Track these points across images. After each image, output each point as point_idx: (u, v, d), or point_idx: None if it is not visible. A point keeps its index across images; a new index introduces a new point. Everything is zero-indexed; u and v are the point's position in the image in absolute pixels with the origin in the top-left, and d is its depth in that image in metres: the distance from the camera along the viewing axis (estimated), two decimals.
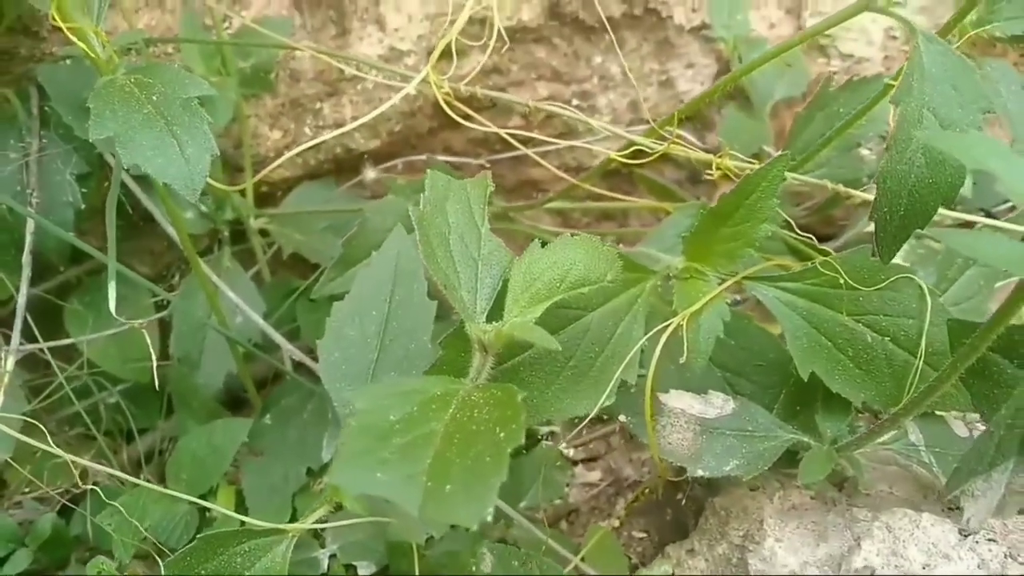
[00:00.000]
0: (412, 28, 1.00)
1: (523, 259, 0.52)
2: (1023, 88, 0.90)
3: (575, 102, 1.13)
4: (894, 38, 1.11)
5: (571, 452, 0.98)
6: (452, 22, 0.84)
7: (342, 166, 1.06)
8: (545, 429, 0.97)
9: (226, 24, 0.95)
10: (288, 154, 0.86)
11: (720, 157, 0.70)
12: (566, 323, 0.57)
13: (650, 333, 0.59)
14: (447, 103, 0.76)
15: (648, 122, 0.80)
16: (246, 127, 0.98)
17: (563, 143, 0.86)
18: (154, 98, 0.63)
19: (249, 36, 0.93)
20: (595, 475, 0.99)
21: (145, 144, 0.61)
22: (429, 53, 0.92)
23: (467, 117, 0.77)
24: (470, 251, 0.53)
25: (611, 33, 1.06)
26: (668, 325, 0.60)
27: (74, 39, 0.64)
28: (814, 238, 0.74)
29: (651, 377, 0.60)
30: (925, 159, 0.55)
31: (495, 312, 0.52)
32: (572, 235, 0.53)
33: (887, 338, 0.64)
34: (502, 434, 0.41)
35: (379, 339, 0.64)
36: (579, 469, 1.01)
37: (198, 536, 0.59)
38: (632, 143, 0.72)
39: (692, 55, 1.10)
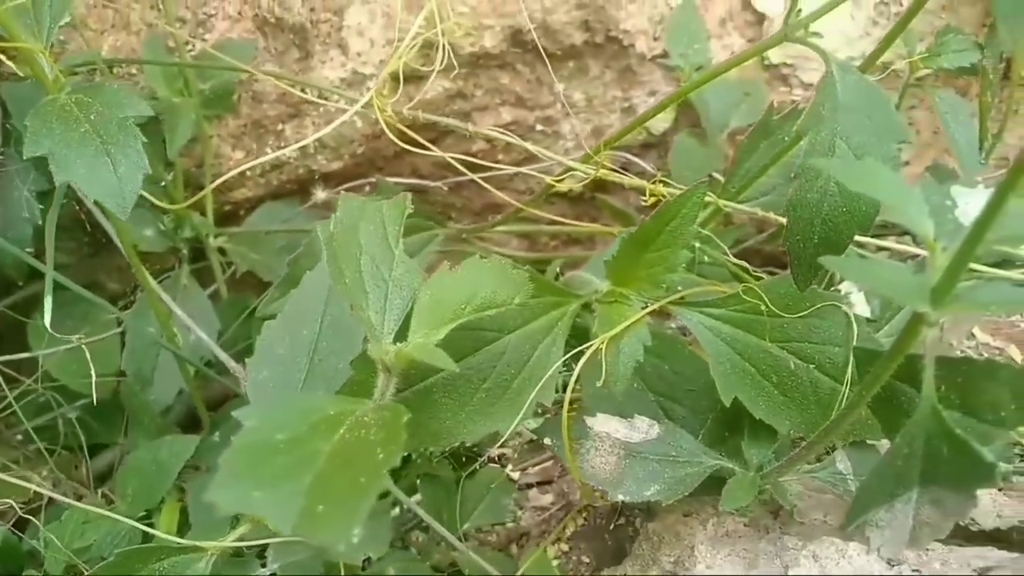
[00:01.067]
0: (374, 52, 1.01)
1: (431, 281, 0.52)
2: (972, 118, 0.91)
3: (539, 127, 1.14)
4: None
5: (523, 475, 0.98)
6: (410, 45, 0.85)
7: (305, 186, 1.07)
8: (495, 451, 0.97)
9: (189, 46, 0.96)
10: (235, 170, 0.87)
11: (654, 183, 0.70)
12: (481, 345, 0.58)
13: (566, 356, 0.59)
14: (392, 128, 0.76)
15: (599, 148, 0.81)
16: (208, 147, 0.99)
17: (512, 169, 0.87)
18: (92, 117, 0.65)
19: (212, 59, 0.95)
20: (547, 498, 0.98)
21: (79, 162, 0.63)
22: (393, 77, 0.93)
23: (415, 143, 0.77)
24: (381, 272, 0.54)
25: (573, 61, 1.08)
26: (587, 348, 0.60)
27: (19, 60, 0.66)
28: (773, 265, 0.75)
29: (567, 400, 0.60)
30: (839, 188, 0.56)
31: (404, 333, 0.52)
32: (481, 257, 0.53)
33: (812, 365, 0.64)
34: (381, 455, 0.42)
35: (308, 358, 0.65)
36: (533, 492, 1.00)
37: (116, 552, 0.59)
38: (570, 168, 0.72)
39: (654, 83, 1.11)
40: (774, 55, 1.09)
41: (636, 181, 0.71)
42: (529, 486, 1.02)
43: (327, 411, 0.47)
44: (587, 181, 0.72)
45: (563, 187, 0.74)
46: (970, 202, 0.56)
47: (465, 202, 1.19)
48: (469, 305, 0.51)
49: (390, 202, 0.57)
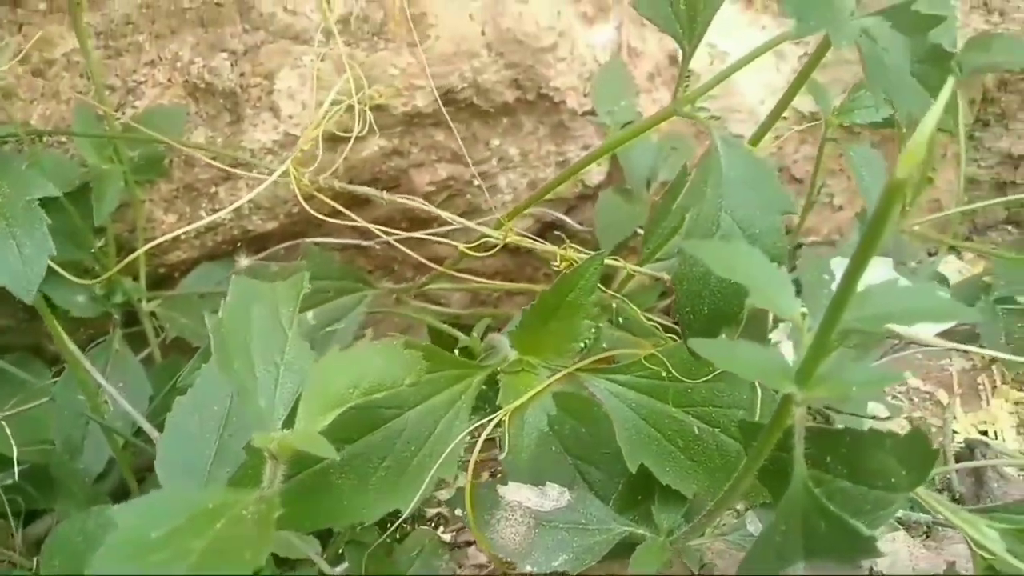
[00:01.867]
0: (306, 115, 1.02)
1: (318, 365, 0.53)
2: (885, 171, 0.93)
3: (476, 182, 1.15)
4: (783, 118, 1.14)
5: (460, 534, 0.98)
6: (329, 115, 0.86)
7: (240, 245, 1.08)
8: (432, 511, 0.97)
9: (119, 113, 0.97)
10: (167, 236, 0.88)
11: (564, 249, 0.71)
12: (379, 423, 0.58)
13: (468, 429, 0.60)
14: (307, 196, 0.77)
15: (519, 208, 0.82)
16: (140, 212, 0.99)
17: (439, 229, 0.88)
18: None
19: (143, 125, 0.96)
20: (485, 557, 0.98)
21: None
22: (327, 137, 0.94)
23: (334, 211, 0.78)
24: (272, 356, 0.54)
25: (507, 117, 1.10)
26: (489, 421, 0.60)
27: None
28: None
29: (470, 472, 0.60)
30: None
31: (294, 418, 0.53)
32: (371, 343, 0.54)
33: (717, 429, 0.65)
34: (248, 555, 0.42)
35: (218, 435, 0.65)
36: (471, 550, 1.00)
37: None
38: (484, 235, 0.73)
39: (588, 137, 1.13)
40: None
41: (547, 247, 0.72)
42: (468, 544, 1.01)
43: (206, 504, 0.46)
44: (497, 248, 0.73)
45: (476, 253, 0.74)
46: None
47: (405, 255, 1.19)
48: (357, 389, 0.52)
49: (285, 283, 0.57)
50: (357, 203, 1.16)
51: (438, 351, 0.59)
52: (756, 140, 0.65)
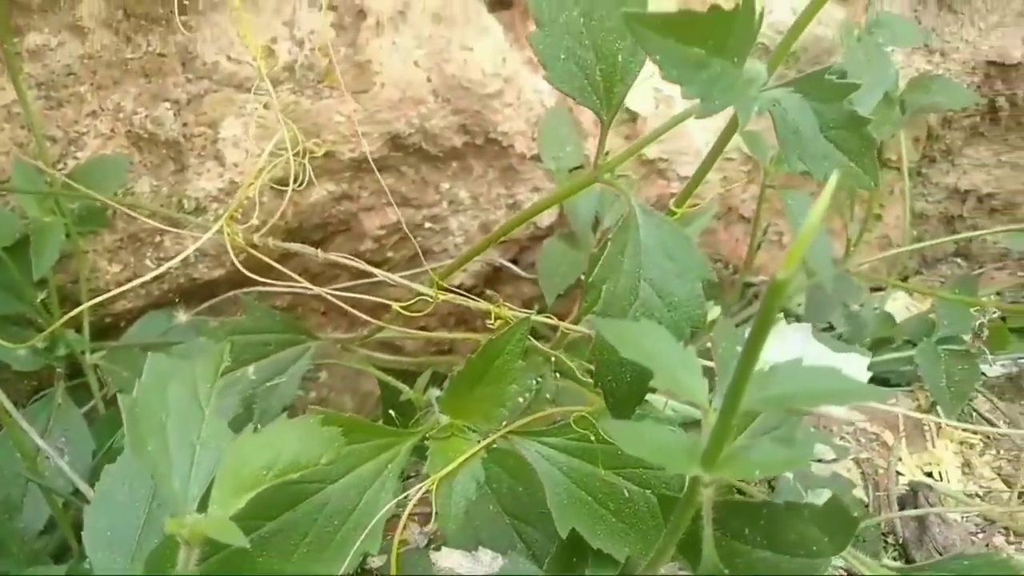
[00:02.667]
0: (251, 162, 1.02)
1: (233, 445, 0.52)
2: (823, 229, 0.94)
3: (427, 224, 1.15)
4: (731, 159, 1.15)
5: None
6: (266, 170, 0.86)
7: (188, 295, 1.07)
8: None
9: (60, 165, 0.96)
10: (113, 292, 0.87)
11: (497, 307, 0.71)
12: (301, 498, 0.58)
13: (394, 500, 0.59)
14: (242, 252, 0.77)
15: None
16: (83, 263, 0.99)
17: (386, 276, 0.87)
18: None
19: (83, 177, 0.95)
20: None
21: None
22: (272, 184, 0.94)
23: (267, 266, 0.78)
24: (189, 436, 0.54)
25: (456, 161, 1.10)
26: (417, 490, 0.60)
27: None
28: None
29: (396, 543, 0.60)
30: None
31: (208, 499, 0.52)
32: (287, 421, 0.53)
33: (648, 490, 0.65)
34: None
35: (148, 505, 0.64)
36: None
37: None
38: (420, 293, 0.73)
39: (537, 180, 1.13)
40: (650, 150, 1.12)
41: (480, 305, 0.72)
42: None
43: None
44: (431, 308, 0.73)
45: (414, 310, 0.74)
46: (772, 346, 0.57)
47: (355, 301, 1.19)
48: (272, 470, 0.51)
49: (203, 358, 0.57)
50: (308, 245, 1.16)
51: (360, 422, 0.59)
52: (681, 201, 0.65)
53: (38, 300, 0.97)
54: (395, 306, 0.74)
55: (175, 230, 0.89)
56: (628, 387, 0.58)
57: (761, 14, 0.50)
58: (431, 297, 0.72)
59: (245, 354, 0.87)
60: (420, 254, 0.83)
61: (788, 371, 0.46)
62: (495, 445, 0.66)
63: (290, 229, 1.11)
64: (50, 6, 0.91)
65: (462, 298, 0.72)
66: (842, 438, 1.03)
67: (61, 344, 0.97)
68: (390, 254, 1.16)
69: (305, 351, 0.90)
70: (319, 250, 0.77)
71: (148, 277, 0.78)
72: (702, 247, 1.18)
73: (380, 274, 0.74)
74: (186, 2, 0.94)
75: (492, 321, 0.72)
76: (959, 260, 1.35)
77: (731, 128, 0.57)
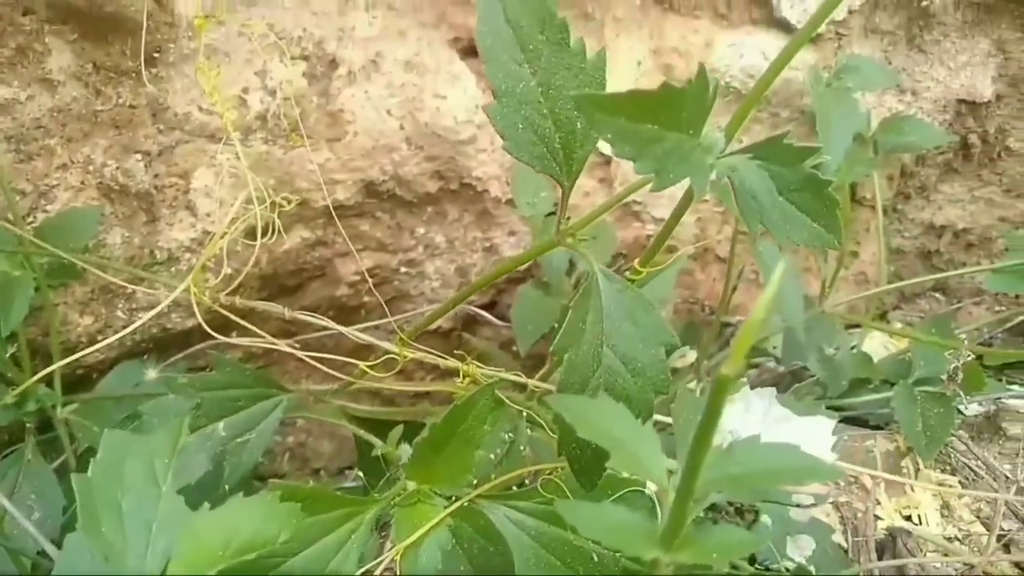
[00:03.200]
0: (223, 212, 1.02)
1: (188, 523, 0.51)
2: (794, 276, 0.94)
3: (403, 269, 1.15)
4: (705, 200, 1.16)
5: None
6: (232, 227, 0.86)
7: (162, 345, 1.06)
8: None
9: (30, 218, 0.96)
10: (89, 350, 0.86)
11: (467, 364, 0.71)
12: (262, 572, 0.57)
13: (360, 571, 0.59)
14: (209, 310, 0.76)
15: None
16: (54, 316, 0.98)
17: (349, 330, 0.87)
18: None
19: (54, 230, 0.94)
20: None
21: None
22: (246, 233, 0.94)
23: (230, 321, 0.77)
24: (144, 514, 0.53)
25: (432, 206, 1.10)
26: (378, 563, 0.59)
27: None
28: None
29: None
30: (609, 394, 0.57)
31: None
32: (244, 498, 0.53)
33: (617, 553, 0.64)
34: None
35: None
36: None
37: None
38: (388, 351, 0.73)
39: (513, 223, 1.13)
40: None
41: (449, 362, 0.71)
42: None
43: None
44: (397, 370, 0.72)
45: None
46: (732, 415, 0.57)
47: (336, 344, 1.19)
48: (228, 550, 0.50)
49: (161, 433, 0.56)
50: (283, 291, 1.16)
51: (322, 494, 0.58)
52: (646, 260, 0.65)
53: (8, 354, 0.96)
54: (361, 365, 0.73)
55: (143, 288, 0.88)
56: (591, 457, 0.57)
57: (716, 88, 0.50)
58: (397, 356, 0.72)
59: (215, 410, 0.86)
60: (385, 306, 0.82)
61: (747, 450, 0.45)
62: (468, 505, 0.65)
63: (265, 276, 1.10)
64: (19, 59, 0.91)
65: (430, 356, 0.72)
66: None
67: (31, 399, 0.96)
68: (367, 298, 1.15)
69: (277, 405, 0.89)
70: (286, 308, 0.77)
71: (114, 338, 0.77)
72: (678, 288, 1.18)
73: (345, 331, 0.74)
74: (156, 54, 0.94)
75: (461, 380, 0.71)
76: (937, 295, 1.35)
77: (688, 197, 0.57)
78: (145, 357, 1.02)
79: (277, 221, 0.86)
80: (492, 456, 0.72)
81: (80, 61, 0.93)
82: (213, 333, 0.75)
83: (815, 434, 0.56)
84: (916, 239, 1.31)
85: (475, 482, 0.65)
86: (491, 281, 0.67)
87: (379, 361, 0.73)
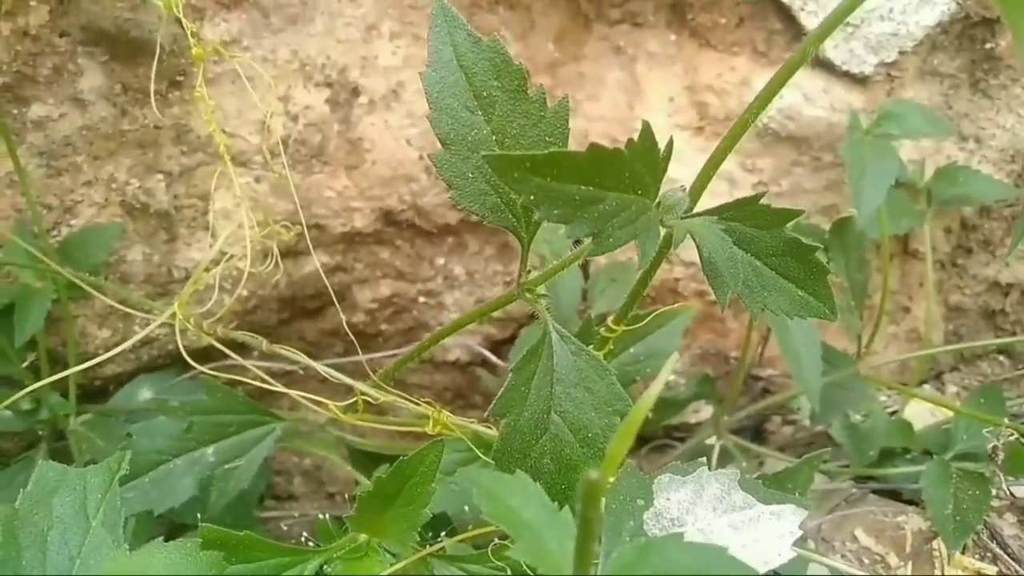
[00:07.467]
0: (242, 233, 1.02)
1: (104, 565, 0.50)
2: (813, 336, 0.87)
3: (422, 299, 1.13)
4: None
5: None
6: (219, 261, 0.86)
7: (177, 360, 1.07)
8: None
9: (55, 232, 0.98)
10: (100, 358, 0.87)
11: (437, 412, 0.68)
12: None
13: None
14: (195, 335, 0.76)
15: None
16: (72, 328, 1.00)
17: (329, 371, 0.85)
18: None
19: (76, 244, 0.97)
20: None
21: None
22: (265, 255, 0.94)
23: (213, 350, 0.77)
24: (70, 548, 0.52)
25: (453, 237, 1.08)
26: None
27: None
28: None
29: None
30: (555, 464, 0.53)
31: None
32: (164, 544, 0.51)
33: None
34: None
35: None
36: None
37: None
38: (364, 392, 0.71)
39: (534, 259, 1.10)
40: None
41: (421, 407, 0.69)
42: None
43: None
44: (369, 407, 0.70)
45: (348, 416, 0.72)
46: (680, 489, 0.52)
47: (351, 372, 1.18)
48: None
49: (97, 467, 0.55)
50: (304, 314, 1.16)
51: (256, 541, 0.56)
52: (620, 318, 0.61)
53: (27, 363, 0.99)
54: (329, 404, 0.72)
55: (138, 311, 0.89)
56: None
57: (669, 147, 0.46)
58: (371, 399, 0.70)
59: (205, 435, 0.86)
60: (356, 348, 0.80)
61: (666, 549, 0.41)
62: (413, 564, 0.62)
63: (283, 299, 1.10)
64: (55, 79, 0.94)
65: (403, 400, 0.69)
66: (844, 556, 0.95)
67: (44, 407, 0.98)
68: (384, 327, 1.14)
69: (269, 433, 0.88)
70: (263, 340, 0.76)
71: (103, 357, 0.78)
72: (708, 336, 1.12)
73: (320, 368, 0.72)
74: (181, 78, 0.96)
75: (432, 428, 0.68)
76: (1001, 358, 1.24)
77: (659, 258, 0.53)
78: (158, 368, 1.03)
79: (276, 250, 0.86)
80: (466, 508, 0.69)
81: (110, 82, 0.95)
82: (193, 363, 0.75)
83: (778, 526, 0.51)
84: (979, 296, 1.21)
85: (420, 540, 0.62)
86: (451, 333, 0.64)
87: (349, 403, 0.71)
